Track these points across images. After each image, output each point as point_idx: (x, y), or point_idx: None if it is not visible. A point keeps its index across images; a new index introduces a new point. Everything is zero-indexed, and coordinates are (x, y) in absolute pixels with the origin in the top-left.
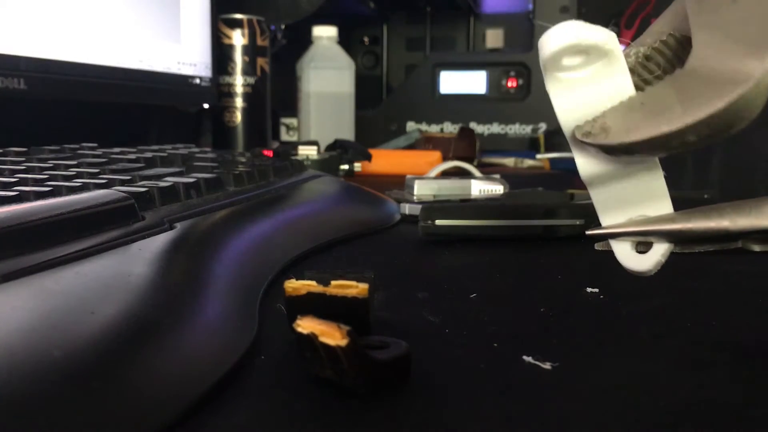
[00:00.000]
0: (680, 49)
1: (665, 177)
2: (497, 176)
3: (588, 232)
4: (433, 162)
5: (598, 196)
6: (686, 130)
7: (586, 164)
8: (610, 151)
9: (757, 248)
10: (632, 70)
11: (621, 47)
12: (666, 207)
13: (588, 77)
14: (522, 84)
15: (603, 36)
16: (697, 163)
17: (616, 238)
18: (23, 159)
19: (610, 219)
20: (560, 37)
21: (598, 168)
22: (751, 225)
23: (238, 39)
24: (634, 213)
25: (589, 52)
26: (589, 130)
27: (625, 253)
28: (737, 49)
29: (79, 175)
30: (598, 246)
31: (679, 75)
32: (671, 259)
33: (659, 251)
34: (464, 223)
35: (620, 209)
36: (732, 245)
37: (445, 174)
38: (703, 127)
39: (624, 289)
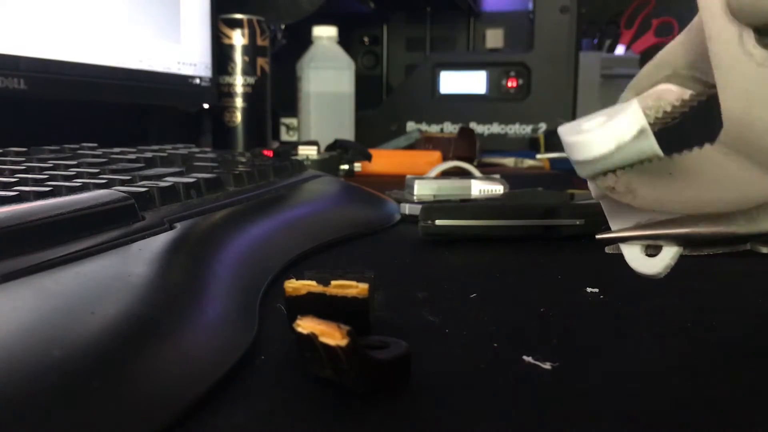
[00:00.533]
0: (702, 103)
1: None
2: (497, 176)
3: (598, 236)
4: (433, 162)
5: (607, 202)
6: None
7: (597, 189)
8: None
9: (765, 250)
10: (651, 123)
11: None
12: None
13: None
14: (522, 84)
15: (637, 126)
16: None
17: (626, 242)
18: (23, 159)
19: (619, 222)
20: (598, 147)
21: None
22: (759, 228)
23: (238, 39)
24: (643, 216)
25: None
26: (613, 185)
27: (634, 257)
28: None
29: (79, 175)
30: (608, 249)
31: (709, 155)
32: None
33: (669, 254)
34: (464, 223)
35: (629, 212)
36: (740, 247)
37: (445, 174)
38: (731, 209)
39: (624, 289)
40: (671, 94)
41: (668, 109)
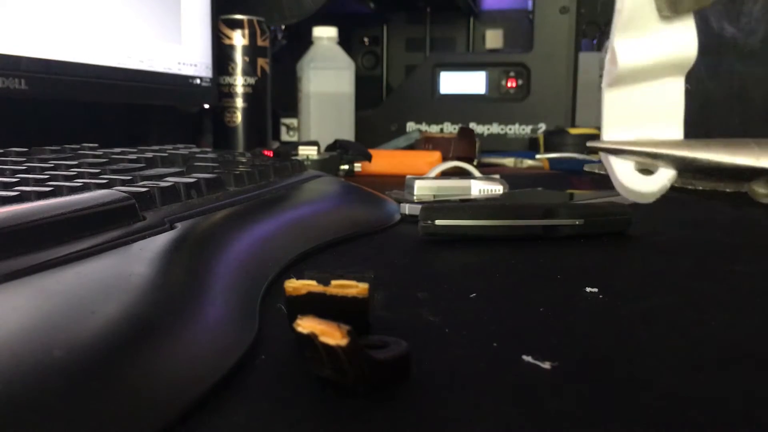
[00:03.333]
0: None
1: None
2: (497, 176)
3: (589, 143)
4: (433, 162)
5: (612, 100)
6: None
7: (628, 50)
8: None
9: (764, 193)
10: None
11: None
12: (676, 131)
13: None
14: (521, 84)
15: None
16: None
17: (621, 155)
18: (24, 159)
19: (615, 132)
20: None
21: (638, 58)
22: (763, 164)
23: (238, 39)
24: (643, 130)
25: None
26: None
27: (627, 174)
28: None
29: (79, 175)
30: (594, 168)
31: None
32: (671, 260)
33: (665, 175)
34: (464, 223)
35: (630, 122)
36: (739, 187)
37: (445, 174)
38: None
39: (623, 289)
40: None
41: None
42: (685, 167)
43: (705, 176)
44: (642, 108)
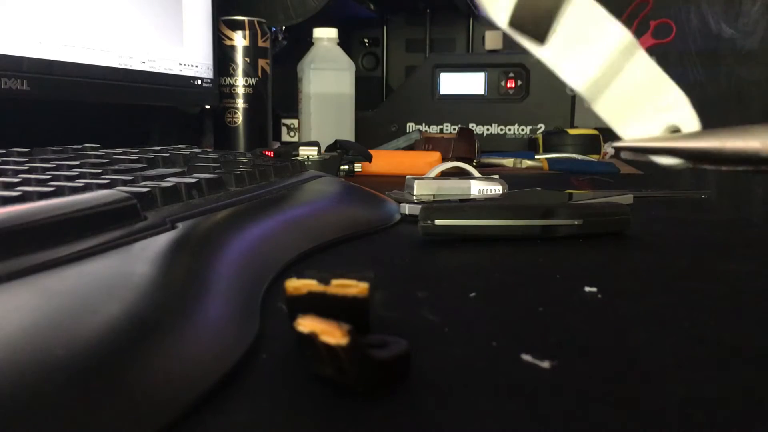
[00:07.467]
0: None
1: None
2: (496, 176)
3: (615, 145)
4: (432, 162)
5: (604, 108)
6: None
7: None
8: None
9: None
10: None
11: None
12: (676, 95)
13: None
14: (521, 85)
15: None
16: None
17: (644, 153)
18: (26, 159)
19: (627, 128)
20: None
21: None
22: None
23: (239, 40)
24: (649, 112)
25: None
26: None
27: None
28: None
29: (81, 176)
30: (624, 155)
31: None
32: (670, 259)
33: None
34: (464, 222)
35: (633, 112)
36: (764, 167)
37: (445, 174)
38: None
39: (622, 289)
40: None
41: None
42: (704, 158)
43: (727, 162)
44: (632, 95)
